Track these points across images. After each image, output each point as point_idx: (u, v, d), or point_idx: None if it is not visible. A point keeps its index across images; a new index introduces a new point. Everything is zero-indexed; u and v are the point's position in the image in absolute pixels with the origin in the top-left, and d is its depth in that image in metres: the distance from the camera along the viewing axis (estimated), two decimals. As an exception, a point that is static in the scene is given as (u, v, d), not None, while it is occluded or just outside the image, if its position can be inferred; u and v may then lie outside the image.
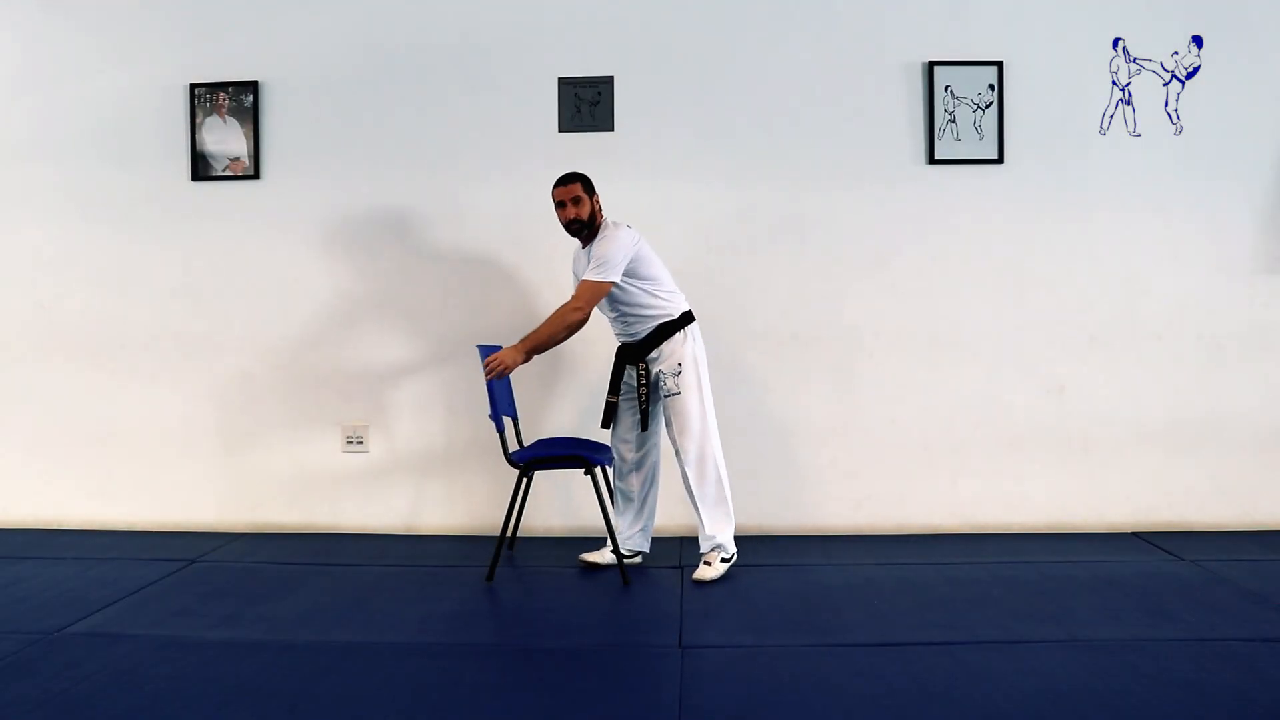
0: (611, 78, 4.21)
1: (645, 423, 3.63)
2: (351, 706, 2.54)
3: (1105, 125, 4.17)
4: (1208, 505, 4.21)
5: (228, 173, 4.28)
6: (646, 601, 3.38)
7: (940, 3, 4.17)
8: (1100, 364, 4.19)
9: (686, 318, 3.63)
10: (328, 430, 4.27)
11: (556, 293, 4.21)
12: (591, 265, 3.51)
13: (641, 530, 3.79)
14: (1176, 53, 4.16)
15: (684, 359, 3.58)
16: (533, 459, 3.60)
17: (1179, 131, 4.17)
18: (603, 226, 3.61)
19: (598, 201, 3.64)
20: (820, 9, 4.18)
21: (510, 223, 4.22)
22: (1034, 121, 4.16)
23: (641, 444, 3.72)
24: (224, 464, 4.31)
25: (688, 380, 3.57)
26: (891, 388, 4.21)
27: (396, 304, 4.27)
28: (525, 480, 3.62)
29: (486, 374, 3.47)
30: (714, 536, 3.60)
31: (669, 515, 4.22)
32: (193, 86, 4.27)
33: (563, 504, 4.22)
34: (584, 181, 3.62)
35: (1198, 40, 4.15)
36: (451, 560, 3.89)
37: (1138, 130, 4.18)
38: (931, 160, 4.17)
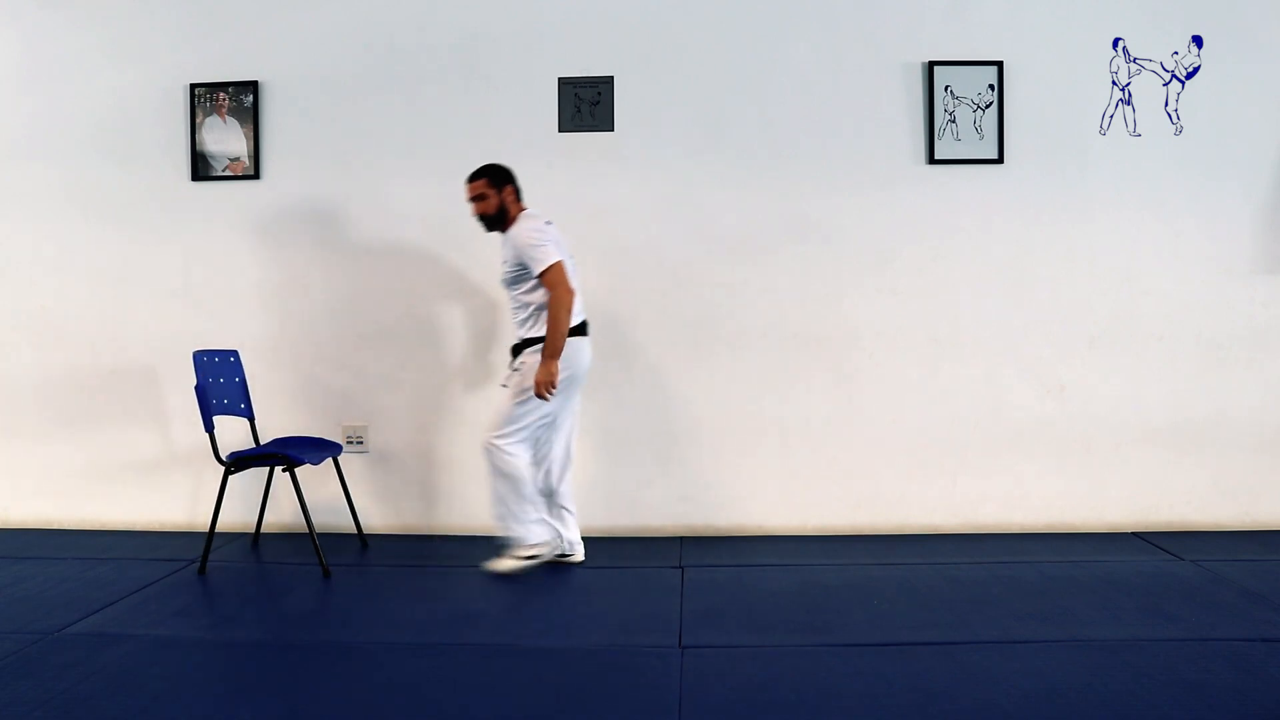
0: (611, 78, 4.21)
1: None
2: (351, 706, 2.54)
3: (1105, 125, 4.17)
4: (1208, 505, 4.21)
5: (228, 173, 4.28)
6: (646, 601, 3.38)
7: (940, 3, 4.17)
8: (1100, 364, 4.19)
9: (574, 332, 3.59)
10: (328, 430, 4.27)
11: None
12: (532, 261, 3.53)
13: (555, 532, 3.76)
14: (1176, 53, 4.16)
15: (527, 367, 3.58)
16: (237, 457, 3.71)
17: (1179, 131, 4.17)
18: (522, 216, 3.65)
19: (509, 194, 3.67)
20: (820, 9, 4.18)
21: (510, 223, 4.22)
22: (1034, 121, 4.16)
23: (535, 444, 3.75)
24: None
25: (516, 383, 3.60)
26: (891, 388, 4.21)
27: (396, 303, 4.27)
28: (227, 476, 3.72)
29: (545, 395, 3.52)
30: (506, 534, 3.65)
31: (668, 515, 4.23)
32: (193, 86, 4.27)
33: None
34: (490, 176, 3.67)
35: (1198, 40, 4.15)
36: (453, 560, 3.90)
37: (1138, 130, 4.18)
38: (931, 160, 4.17)
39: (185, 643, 2.97)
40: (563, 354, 3.55)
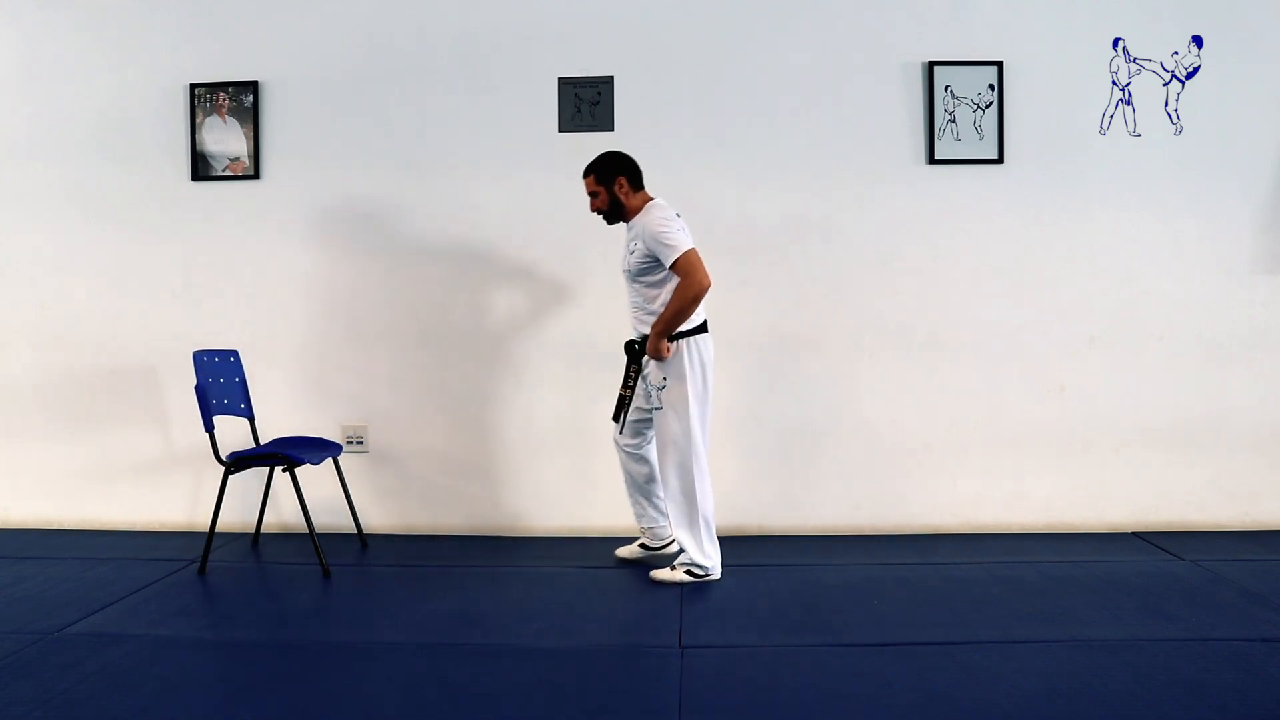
0: (611, 78, 4.21)
1: (616, 414, 3.61)
2: (351, 706, 2.54)
3: (1105, 125, 4.17)
4: (1208, 505, 4.21)
5: (228, 173, 4.28)
6: (646, 601, 3.38)
7: (940, 3, 4.16)
8: (1100, 364, 4.19)
9: (696, 330, 3.49)
10: (328, 430, 4.27)
11: (556, 292, 4.22)
12: (664, 250, 3.36)
13: (655, 523, 3.75)
14: (1176, 53, 4.16)
15: (671, 374, 3.46)
16: (237, 457, 3.71)
17: (1179, 131, 4.17)
18: (648, 206, 3.51)
19: (622, 184, 3.52)
20: (820, 9, 4.18)
21: (510, 222, 4.22)
22: (1034, 121, 4.16)
23: (634, 434, 3.67)
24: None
25: (671, 397, 3.46)
26: (891, 388, 4.21)
27: (397, 303, 4.27)
28: (227, 476, 3.73)
29: (662, 357, 3.43)
30: (683, 551, 3.54)
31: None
32: (193, 86, 4.27)
33: (573, 505, 4.23)
34: (598, 172, 3.54)
35: (1198, 40, 4.15)
36: (453, 560, 3.90)
37: (1138, 130, 4.18)
38: (931, 160, 4.17)
39: (185, 643, 2.97)
40: (698, 351, 3.46)
